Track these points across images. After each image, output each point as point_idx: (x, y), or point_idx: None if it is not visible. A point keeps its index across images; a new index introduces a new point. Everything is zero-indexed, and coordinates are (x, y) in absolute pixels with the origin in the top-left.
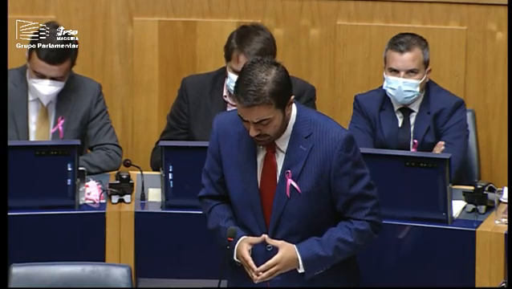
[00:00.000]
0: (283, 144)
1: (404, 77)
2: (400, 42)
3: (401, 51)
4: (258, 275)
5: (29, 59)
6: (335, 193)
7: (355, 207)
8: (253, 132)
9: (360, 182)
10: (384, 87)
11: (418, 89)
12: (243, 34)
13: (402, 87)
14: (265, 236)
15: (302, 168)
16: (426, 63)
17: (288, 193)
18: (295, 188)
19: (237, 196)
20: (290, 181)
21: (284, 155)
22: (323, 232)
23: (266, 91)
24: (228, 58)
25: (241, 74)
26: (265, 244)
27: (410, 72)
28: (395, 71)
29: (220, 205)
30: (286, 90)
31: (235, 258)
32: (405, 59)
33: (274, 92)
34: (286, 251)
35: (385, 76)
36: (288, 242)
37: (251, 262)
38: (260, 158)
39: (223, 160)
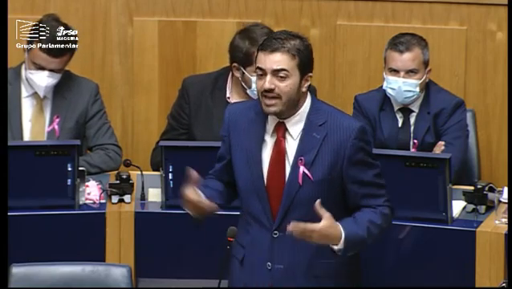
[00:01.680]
0: (294, 128)
1: (403, 77)
2: (399, 42)
3: (401, 51)
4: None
5: (28, 50)
6: (349, 182)
7: (372, 194)
8: (267, 84)
9: (372, 170)
10: (384, 87)
11: (418, 89)
12: (251, 36)
13: (402, 87)
14: (317, 202)
15: (316, 156)
16: (426, 63)
17: (300, 181)
18: (308, 175)
19: (244, 183)
20: (302, 169)
21: (294, 142)
22: None
23: (293, 44)
24: (248, 63)
25: (268, 35)
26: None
27: (410, 72)
28: (395, 71)
29: (212, 179)
30: (310, 59)
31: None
32: (405, 59)
33: (300, 50)
34: (329, 226)
35: (385, 76)
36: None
37: (193, 195)
38: (269, 144)
39: (232, 147)
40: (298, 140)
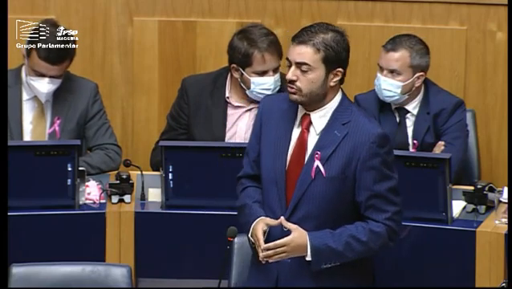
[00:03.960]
0: (319, 123)
1: (385, 75)
2: (392, 40)
3: (387, 50)
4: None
5: (28, 57)
6: (358, 187)
7: (376, 207)
8: (289, 75)
9: (385, 183)
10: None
11: (399, 91)
12: (250, 37)
13: (382, 84)
14: (282, 218)
15: (332, 153)
16: (415, 67)
17: (313, 175)
18: (321, 170)
19: (266, 172)
20: (317, 163)
21: (317, 136)
22: (341, 224)
23: (322, 38)
24: (246, 64)
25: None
26: (281, 226)
27: (392, 72)
28: (381, 68)
29: (253, 188)
30: (340, 54)
31: (249, 235)
32: (388, 58)
33: (328, 46)
34: (298, 236)
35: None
36: (304, 226)
37: (261, 242)
38: (295, 136)
39: (262, 135)
40: (319, 135)
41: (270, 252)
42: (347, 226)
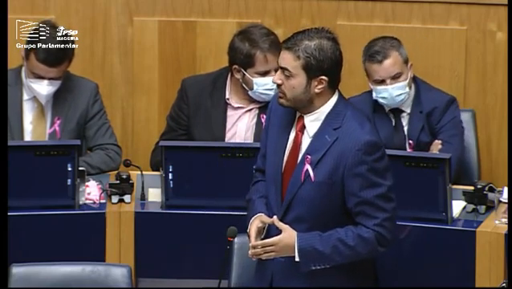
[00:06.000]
0: (312, 126)
1: (390, 84)
2: (375, 52)
3: (380, 61)
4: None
5: (26, 60)
6: (346, 193)
7: (365, 214)
8: (275, 78)
9: (374, 190)
10: (375, 97)
11: (407, 88)
12: (251, 37)
13: (392, 93)
14: (274, 218)
15: (321, 158)
16: (406, 61)
17: (302, 178)
18: (310, 174)
19: (268, 169)
20: (307, 167)
21: (310, 139)
22: (332, 227)
23: (305, 45)
24: (248, 65)
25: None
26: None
27: (395, 76)
28: (381, 81)
29: (263, 182)
30: (321, 62)
31: (247, 231)
32: (386, 66)
33: (308, 53)
34: (287, 236)
35: (372, 87)
36: (296, 227)
37: (252, 238)
38: (291, 137)
39: (269, 132)
40: (312, 138)
41: (258, 250)
42: (338, 230)
